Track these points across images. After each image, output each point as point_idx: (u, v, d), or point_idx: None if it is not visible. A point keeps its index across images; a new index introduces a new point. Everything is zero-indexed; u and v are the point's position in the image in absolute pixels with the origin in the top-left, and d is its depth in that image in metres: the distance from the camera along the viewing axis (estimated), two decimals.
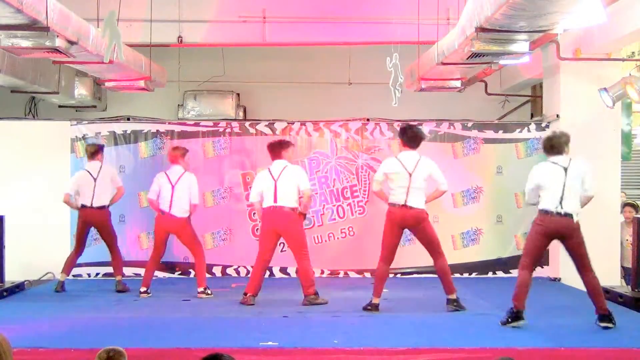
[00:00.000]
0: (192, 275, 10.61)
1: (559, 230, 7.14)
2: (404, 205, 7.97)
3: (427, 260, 9.45)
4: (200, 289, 9.13)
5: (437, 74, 9.29)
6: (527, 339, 6.68)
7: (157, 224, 9.30)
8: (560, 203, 7.11)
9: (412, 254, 9.89)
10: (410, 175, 7.92)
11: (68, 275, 9.58)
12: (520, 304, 7.15)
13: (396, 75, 8.27)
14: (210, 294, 9.06)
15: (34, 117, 12.25)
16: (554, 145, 7.25)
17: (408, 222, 8.01)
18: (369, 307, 8.16)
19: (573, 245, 7.16)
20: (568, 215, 7.09)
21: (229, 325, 7.44)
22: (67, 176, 10.38)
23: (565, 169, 7.14)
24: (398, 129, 8.65)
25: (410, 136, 8.05)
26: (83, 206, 9.54)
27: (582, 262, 7.15)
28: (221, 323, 7.52)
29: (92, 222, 9.60)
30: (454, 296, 8.09)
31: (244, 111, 12.34)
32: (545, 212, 7.19)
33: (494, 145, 10.97)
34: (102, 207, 9.55)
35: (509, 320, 7.17)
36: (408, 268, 10.54)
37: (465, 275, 10.74)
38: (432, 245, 8.12)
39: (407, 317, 7.87)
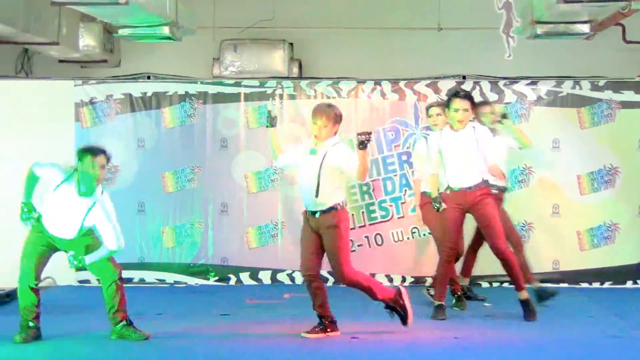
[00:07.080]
0: (231, 282, 10.05)
1: None
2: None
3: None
4: None
5: (558, 16, 8.55)
6: None
7: None
8: None
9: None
10: None
11: None
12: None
13: (509, 17, 7.78)
14: None
15: (27, 75, 11.12)
16: None
17: None
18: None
19: None
20: None
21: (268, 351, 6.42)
22: (71, 151, 9.26)
23: None
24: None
25: None
26: None
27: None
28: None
29: None
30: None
31: (299, 66, 11.02)
32: None
33: (635, 111, 9.80)
34: None
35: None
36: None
37: (596, 284, 9.64)
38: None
39: None
